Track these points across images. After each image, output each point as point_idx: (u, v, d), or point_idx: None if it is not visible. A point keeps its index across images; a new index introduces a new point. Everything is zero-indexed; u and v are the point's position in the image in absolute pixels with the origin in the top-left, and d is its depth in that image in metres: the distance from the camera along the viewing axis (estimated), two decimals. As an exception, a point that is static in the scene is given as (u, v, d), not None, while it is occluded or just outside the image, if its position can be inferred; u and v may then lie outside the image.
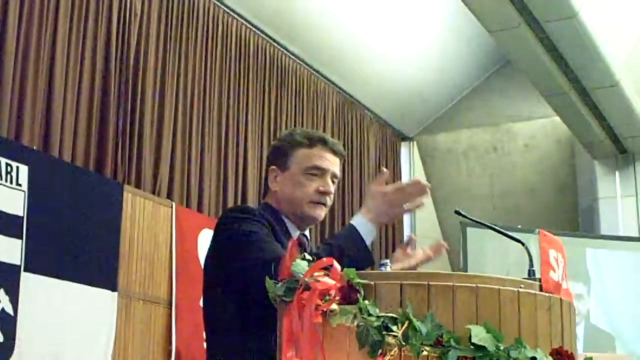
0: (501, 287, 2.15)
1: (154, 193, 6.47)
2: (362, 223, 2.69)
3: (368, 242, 2.66)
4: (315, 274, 2.16)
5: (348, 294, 2.09)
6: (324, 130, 9.04)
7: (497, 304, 2.12)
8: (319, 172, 2.89)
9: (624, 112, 8.37)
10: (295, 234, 2.90)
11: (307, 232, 2.98)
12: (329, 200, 2.92)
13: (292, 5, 8.20)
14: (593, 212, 9.58)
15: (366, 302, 2.07)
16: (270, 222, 2.79)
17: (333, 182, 2.94)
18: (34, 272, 5.02)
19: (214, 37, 7.50)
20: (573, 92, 7.97)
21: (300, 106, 8.71)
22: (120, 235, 5.79)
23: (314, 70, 9.01)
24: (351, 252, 2.60)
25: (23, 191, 5.03)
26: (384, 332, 2.03)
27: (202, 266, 2.94)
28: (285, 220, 2.90)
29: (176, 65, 6.97)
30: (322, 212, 2.91)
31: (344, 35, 8.80)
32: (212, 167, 7.24)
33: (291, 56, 8.64)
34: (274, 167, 2.95)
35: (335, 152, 2.95)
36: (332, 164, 2.93)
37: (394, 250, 10.08)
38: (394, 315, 2.05)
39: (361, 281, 2.11)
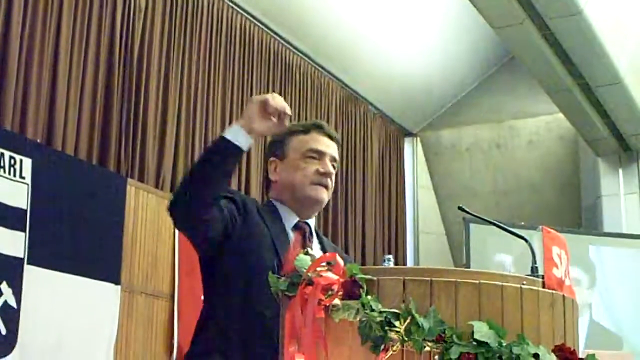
0: (504, 284, 2.16)
1: (157, 187, 6.48)
2: (232, 128, 2.69)
3: (230, 137, 2.64)
4: (318, 268, 2.16)
5: (351, 289, 2.10)
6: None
7: (499, 300, 2.13)
8: (318, 154, 2.93)
9: (628, 110, 8.37)
10: (292, 221, 2.91)
11: (311, 221, 2.99)
12: (330, 183, 2.94)
13: (296, 1, 8.20)
14: (596, 210, 9.58)
15: (369, 297, 2.08)
16: (245, 202, 2.83)
17: (333, 166, 2.97)
18: (37, 265, 5.03)
19: (218, 31, 7.50)
20: (577, 89, 7.97)
21: (304, 101, 8.71)
22: (123, 228, 5.79)
23: (318, 65, 9.01)
24: (214, 148, 2.68)
25: (26, 184, 5.04)
26: (387, 328, 2.03)
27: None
28: (282, 209, 2.92)
29: (180, 60, 6.97)
30: (324, 194, 2.93)
31: (348, 31, 8.80)
32: (216, 161, 7.23)
33: (295, 51, 8.64)
34: (272, 158, 2.99)
35: (331, 137, 2.99)
36: (330, 147, 2.97)
37: (396, 245, 10.12)
38: (397, 310, 2.06)
39: (364, 276, 2.12)
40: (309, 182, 2.89)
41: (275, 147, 3.00)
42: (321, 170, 2.90)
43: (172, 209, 2.68)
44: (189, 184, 2.68)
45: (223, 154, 2.64)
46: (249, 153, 7.63)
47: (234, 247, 2.74)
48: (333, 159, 2.97)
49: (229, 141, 2.63)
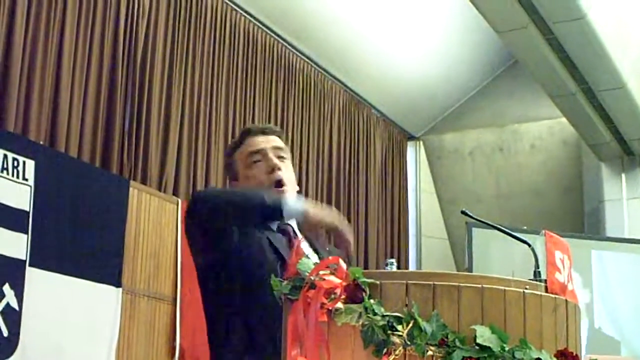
0: (507, 288, 2.15)
1: (160, 189, 6.48)
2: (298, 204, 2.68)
3: (287, 206, 2.64)
4: (321, 272, 2.16)
5: (353, 293, 2.10)
6: (331, 129, 9.05)
7: (502, 304, 2.12)
8: (259, 155, 2.90)
9: (631, 114, 8.37)
10: (273, 224, 2.88)
11: (291, 221, 2.93)
12: (284, 175, 2.89)
13: (300, 4, 8.21)
14: (599, 214, 9.57)
15: (372, 301, 2.08)
16: None
17: (282, 157, 2.93)
18: (39, 267, 5.03)
19: (222, 34, 7.50)
20: (580, 93, 7.97)
21: (307, 104, 8.71)
22: (125, 231, 5.79)
23: (321, 68, 9.01)
24: (271, 201, 2.65)
25: (29, 186, 5.04)
26: (389, 332, 2.03)
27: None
28: None
29: (184, 62, 6.98)
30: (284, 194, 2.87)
31: (351, 34, 8.80)
32: (219, 164, 7.25)
33: (298, 54, 8.64)
34: (232, 182, 3.01)
35: (265, 133, 2.98)
36: (267, 142, 2.94)
37: (398, 249, 10.12)
38: (399, 314, 2.05)
39: (367, 280, 2.11)
40: (265, 187, 2.86)
41: (228, 171, 3.03)
42: (268, 168, 2.88)
43: (200, 206, 2.71)
44: (230, 205, 2.71)
45: (270, 210, 2.65)
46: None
47: (236, 255, 2.74)
48: (276, 149, 2.93)
49: (281, 210, 2.62)
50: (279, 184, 2.86)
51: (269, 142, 2.94)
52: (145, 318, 5.95)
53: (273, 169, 2.87)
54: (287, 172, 2.91)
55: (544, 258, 2.40)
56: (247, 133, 2.99)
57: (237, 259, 2.74)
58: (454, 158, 10.76)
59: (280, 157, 2.92)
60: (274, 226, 2.88)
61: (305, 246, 2.86)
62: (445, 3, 9.04)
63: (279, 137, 3.00)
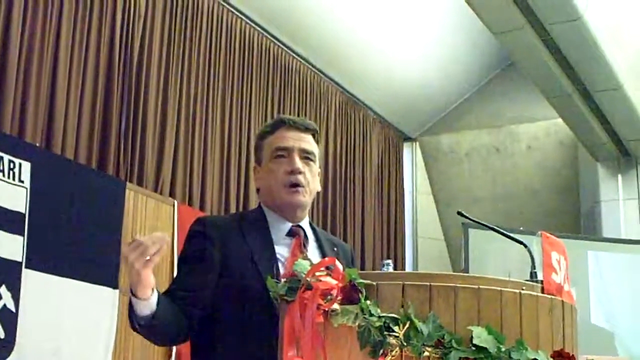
0: (503, 289, 2.15)
1: (156, 191, 6.47)
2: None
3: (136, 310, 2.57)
4: (317, 273, 2.16)
5: (350, 294, 2.10)
6: (327, 130, 9.04)
7: (498, 305, 2.13)
8: (284, 152, 2.82)
9: (627, 115, 8.37)
10: (284, 229, 2.83)
11: (304, 223, 2.88)
12: (303, 180, 2.81)
13: (296, 5, 8.21)
14: (595, 215, 9.58)
15: (368, 302, 2.08)
16: (221, 230, 2.76)
17: (308, 158, 2.85)
18: (35, 269, 5.02)
19: (218, 36, 7.50)
20: (576, 94, 7.97)
21: (303, 106, 8.71)
22: (122, 233, 5.78)
23: (317, 70, 9.01)
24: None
25: (25, 188, 5.03)
26: (386, 333, 2.03)
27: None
28: (271, 216, 2.84)
29: (180, 65, 6.97)
30: (299, 197, 2.81)
31: (347, 36, 8.80)
32: (215, 165, 7.24)
33: (295, 56, 8.64)
34: (255, 165, 2.94)
35: (298, 128, 2.86)
36: (297, 140, 2.84)
37: (394, 250, 10.12)
38: (396, 315, 2.05)
39: (363, 281, 2.11)
40: (282, 186, 2.79)
41: (255, 154, 2.96)
42: (288, 168, 2.79)
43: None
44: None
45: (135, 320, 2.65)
46: (248, 159, 7.62)
47: (220, 287, 2.71)
48: (304, 151, 2.84)
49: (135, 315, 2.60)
50: (295, 186, 2.79)
51: (299, 140, 2.85)
52: (142, 320, 5.93)
53: (293, 170, 2.79)
54: (308, 176, 2.82)
55: (540, 259, 2.40)
56: (281, 123, 2.89)
57: (221, 294, 2.71)
58: (450, 159, 10.77)
59: (305, 159, 2.84)
60: (283, 233, 2.82)
61: (313, 251, 2.83)
62: (442, 4, 9.05)
63: (313, 135, 2.90)
